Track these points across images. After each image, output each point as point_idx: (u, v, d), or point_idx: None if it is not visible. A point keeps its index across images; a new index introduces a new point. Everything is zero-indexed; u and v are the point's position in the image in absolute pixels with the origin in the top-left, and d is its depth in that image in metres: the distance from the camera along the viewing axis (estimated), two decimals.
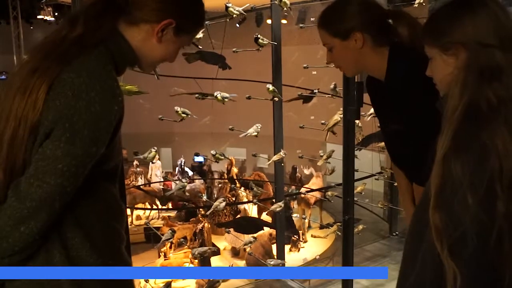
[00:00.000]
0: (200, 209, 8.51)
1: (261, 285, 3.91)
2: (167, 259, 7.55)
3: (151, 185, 10.61)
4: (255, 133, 3.85)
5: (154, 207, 9.81)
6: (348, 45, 1.54)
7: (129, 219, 8.79)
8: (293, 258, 7.20)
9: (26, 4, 11.13)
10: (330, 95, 4.62)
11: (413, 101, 1.50)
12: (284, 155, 3.86)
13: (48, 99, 1.00)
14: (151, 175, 10.98)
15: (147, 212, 9.89)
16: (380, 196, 5.77)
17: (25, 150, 1.02)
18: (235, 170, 10.13)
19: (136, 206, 9.44)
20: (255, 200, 4.90)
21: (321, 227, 6.73)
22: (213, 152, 3.89)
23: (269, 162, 4.01)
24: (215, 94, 3.68)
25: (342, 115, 3.22)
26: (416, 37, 1.44)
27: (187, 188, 7.38)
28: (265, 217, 7.56)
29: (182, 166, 11.35)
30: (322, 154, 4.66)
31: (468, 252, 0.95)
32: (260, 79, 5.50)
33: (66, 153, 0.98)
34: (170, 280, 3.81)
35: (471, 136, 0.99)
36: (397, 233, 4.92)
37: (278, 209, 3.94)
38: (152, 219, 9.51)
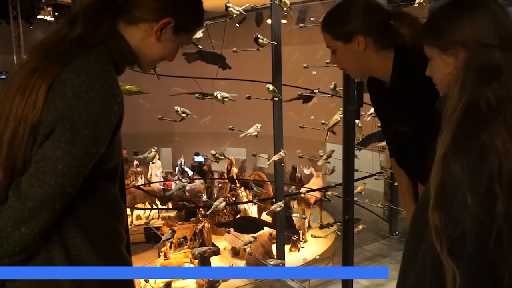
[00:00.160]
0: (200, 209, 8.52)
1: (261, 285, 3.91)
2: (167, 259, 7.55)
3: (151, 185, 10.61)
4: (255, 133, 3.85)
5: (154, 207, 9.82)
6: (351, 48, 1.54)
7: (129, 219, 8.80)
8: (293, 258, 7.20)
9: (26, 4, 11.12)
10: (330, 95, 4.62)
11: (419, 102, 1.50)
12: (284, 155, 3.86)
13: (48, 99, 1.00)
14: (151, 175, 10.98)
15: (147, 212, 9.89)
16: (380, 196, 5.78)
17: (25, 150, 1.02)
18: (235, 170, 10.14)
19: (136, 206, 9.44)
20: (255, 200, 4.90)
21: (321, 227, 6.73)
22: (213, 152, 3.90)
23: (269, 162, 4.02)
24: (215, 94, 3.68)
25: (342, 115, 3.22)
26: (418, 38, 1.44)
27: (187, 188, 7.39)
28: (265, 217, 7.56)
29: (182, 166, 11.35)
30: (322, 154, 4.66)
31: (467, 252, 0.95)
32: (260, 79, 5.50)
33: (67, 154, 0.98)
34: (170, 280, 3.81)
35: (470, 136, 0.99)
36: (397, 233, 4.92)
37: (278, 209, 3.94)
38: (152, 219, 9.51)
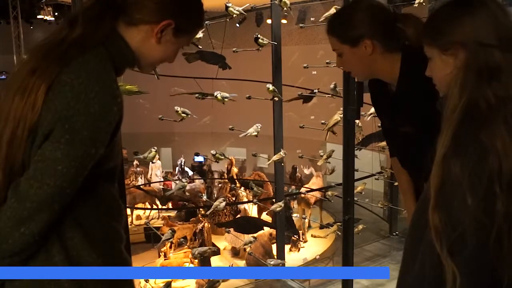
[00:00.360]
0: (200, 209, 8.52)
1: (261, 285, 3.91)
2: (167, 259, 7.55)
3: (151, 185, 10.61)
4: (255, 133, 3.85)
5: (154, 207, 9.82)
6: (358, 51, 1.53)
7: (129, 219, 8.80)
8: (293, 258, 7.20)
9: (26, 4, 11.13)
10: (330, 95, 4.62)
11: (426, 103, 1.49)
12: (284, 155, 3.86)
13: (47, 99, 1.00)
14: (151, 175, 10.98)
15: (147, 212, 9.89)
16: (380, 196, 5.78)
17: (24, 151, 1.02)
18: (235, 170, 10.14)
19: (136, 206, 9.44)
20: (255, 200, 4.90)
21: (321, 227, 6.73)
22: (213, 152, 3.90)
23: (269, 162, 4.02)
24: (215, 94, 3.68)
25: (342, 115, 3.22)
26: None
27: (187, 188, 7.41)
28: (265, 217, 7.57)
29: (182, 166, 11.35)
30: (322, 154, 4.66)
31: (467, 252, 0.95)
32: (260, 79, 5.50)
33: (66, 154, 0.98)
34: (170, 280, 3.81)
35: (470, 136, 0.98)
36: (397, 233, 4.92)
37: (278, 209, 3.94)
38: (152, 219, 9.52)
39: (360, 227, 4.54)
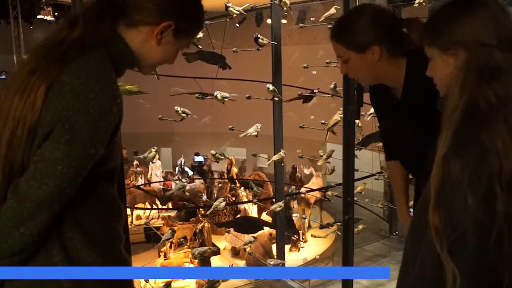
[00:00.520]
0: (200, 209, 8.52)
1: (261, 285, 3.91)
2: (167, 259, 7.55)
3: (151, 185, 10.61)
4: (255, 133, 3.85)
5: (154, 207, 9.82)
6: (365, 58, 1.52)
7: (129, 219, 8.80)
8: (293, 258, 7.20)
9: (26, 4, 11.13)
10: (330, 95, 4.62)
11: (432, 106, 1.49)
12: (284, 155, 3.86)
13: (47, 99, 1.00)
14: (151, 175, 10.99)
15: (147, 212, 9.89)
16: (380, 196, 5.77)
17: (23, 151, 1.02)
18: (235, 170, 10.14)
19: (136, 206, 9.45)
20: (255, 200, 4.90)
21: (321, 227, 6.73)
22: (213, 152, 3.90)
23: (269, 162, 4.02)
24: (215, 94, 3.69)
25: (342, 115, 3.22)
26: None
27: (187, 188, 7.40)
28: (265, 217, 7.56)
29: (182, 166, 11.35)
30: (322, 154, 4.66)
31: (467, 252, 0.95)
32: (260, 79, 5.50)
33: (66, 155, 0.98)
34: (170, 280, 3.81)
35: (470, 136, 0.98)
36: (397, 233, 4.92)
37: (278, 209, 3.94)
38: (152, 219, 9.52)
39: (360, 227, 4.54)
